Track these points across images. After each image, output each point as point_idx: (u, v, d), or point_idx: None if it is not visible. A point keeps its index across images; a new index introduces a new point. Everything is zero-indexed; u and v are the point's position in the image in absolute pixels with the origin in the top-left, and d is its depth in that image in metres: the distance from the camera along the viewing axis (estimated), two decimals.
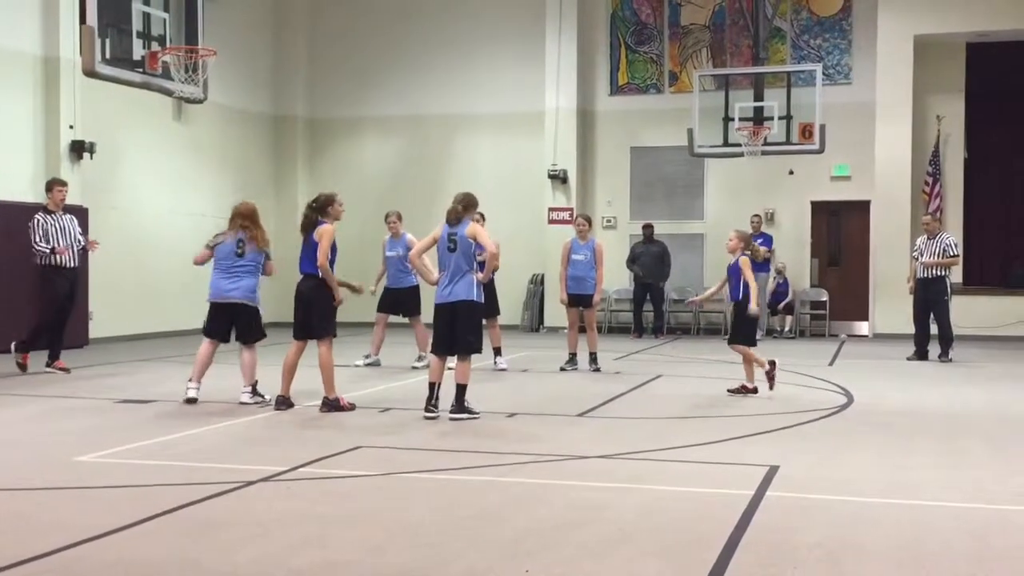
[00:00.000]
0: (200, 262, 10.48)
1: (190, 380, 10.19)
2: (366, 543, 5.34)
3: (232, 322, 10.24)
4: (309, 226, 9.81)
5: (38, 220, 12.60)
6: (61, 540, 5.30)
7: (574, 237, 13.51)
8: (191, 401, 10.03)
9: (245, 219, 10.25)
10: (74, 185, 16.31)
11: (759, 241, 18.99)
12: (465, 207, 9.54)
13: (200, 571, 4.90)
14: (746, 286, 10.93)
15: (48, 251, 12.51)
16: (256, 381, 10.19)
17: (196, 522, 5.76)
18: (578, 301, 13.31)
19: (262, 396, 10.14)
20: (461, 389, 9.39)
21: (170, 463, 7.41)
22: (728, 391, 11.07)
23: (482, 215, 13.52)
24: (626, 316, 20.22)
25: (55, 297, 12.78)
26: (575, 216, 15.04)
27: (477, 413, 9.43)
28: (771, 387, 10.91)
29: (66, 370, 12.72)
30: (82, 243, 13.02)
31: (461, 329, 9.37)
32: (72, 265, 12.86)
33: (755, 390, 10.93)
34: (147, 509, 5.92)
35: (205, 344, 10.25)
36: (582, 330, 13.45)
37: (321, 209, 9.86)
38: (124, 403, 10.25)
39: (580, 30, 20.62)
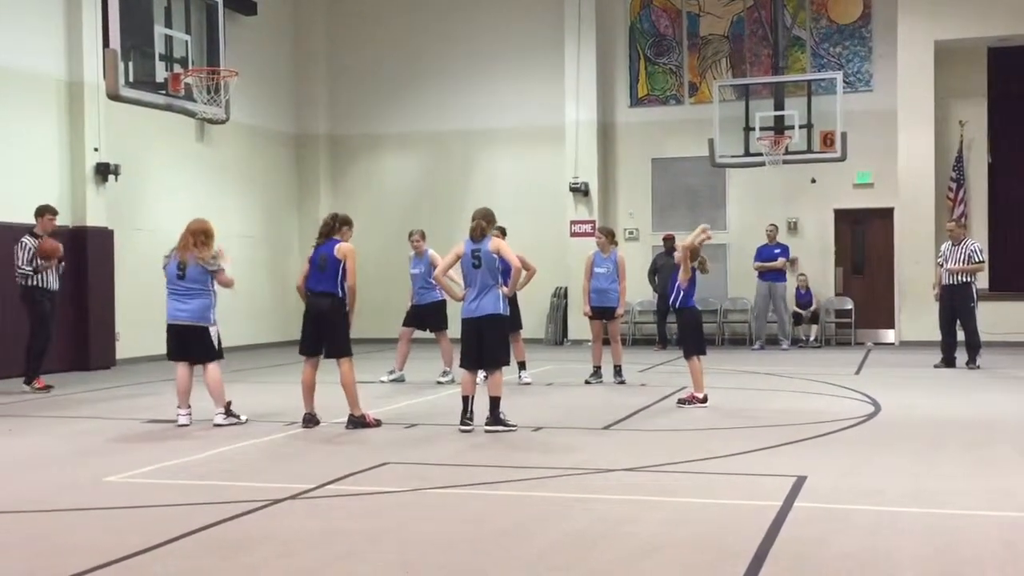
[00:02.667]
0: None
1: (178, 407, 10.09)
2: (394, 560, 5.35)
3: (186, 343, 10.07)
4: (330, 233, 9.82)
5: (25, 243, 12.94)
6: (89, 561, 5.32)
7: (596, 250, 13.51)
8: (183, 426, 9.93)
9: (187, 237, 10.03)
10: (99, 207, 16.53)
11: (776, 251, 19.00)
12: (488, 222, 9.61)
13: None
14: (678, 290, 10.97)
15: (31, 272, 12.92)
16: (229, 402, 10.09)
17: (224, 541, 5.78)
18: (601, 314, 13.30)
19: (237, 416, 10.04)
20: (495, 401, 9.45)
21: (198, 482, 7.44)
22: (678, 401, 11.15)
23: (503, 229, 13.60)
24: (650, 328, 20.17)
25: (43, 317, 13.15)
26: (598, 232, 14.90)
27: (513, 425, 9.47)
28: (679, 403, 11.00)
29: (49, 387, 13.21)
30: (62, 268, 13.41)
31: (489, 343, 9.44)
32: (55, 288, 13.27)
33: (704, 399, 10.97)
34: (175, 529, 5.94)
35: (177, 369, 10.13)
36: (607, 342, 13.44)
37: (346, 223, 9.92)
38: (151, 423, 10.30)
39: (599, 43, 20.64)
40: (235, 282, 10.43)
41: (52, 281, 13.20)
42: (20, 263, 12.93)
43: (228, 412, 10.03)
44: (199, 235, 10.02)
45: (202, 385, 10.05)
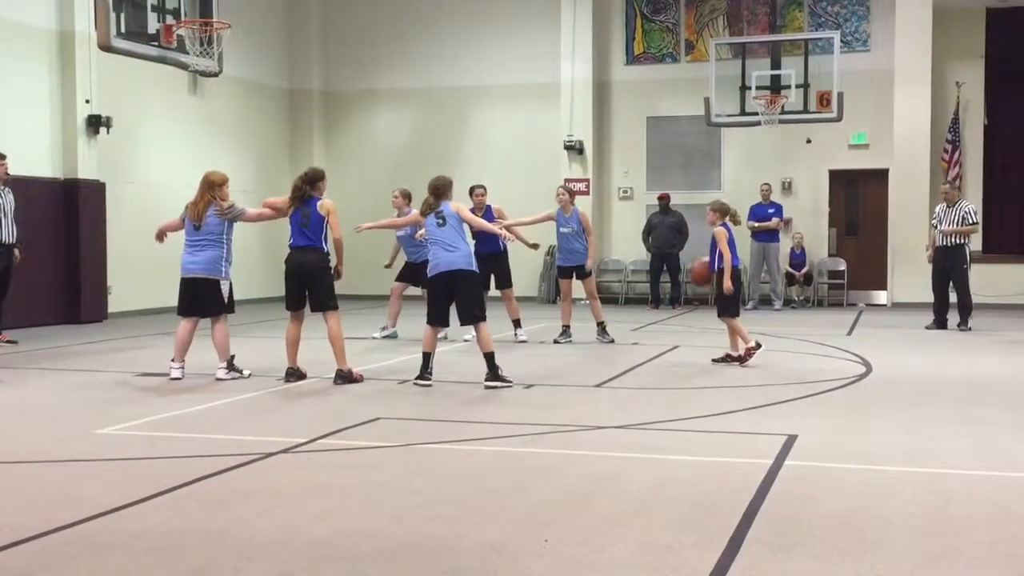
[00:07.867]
0: (167, 229, 10.30)
1: (172, 360, 10.04)
2: (385, 514, 5.36)
3: (200, 297, 9.99)
4: (302, 198, 9.77)
5: None
6: (83, 512, 5.34)
7: (559, 209, 13.43)
8: (176, 379, 9.90)
9: (202, 188, 10.00)
10: (91, 160, 16.42)
11: (770, 211, 18.96)
12: (437, 196, 9.67)
13: (221, 542, 4.92)
14: (720, 258, 11.09)
15: None
16: (233, 356, 10.08)
17: (217, 493, 5.79)
18: (570, 272, 13.27)
19: (239, 371, 10.04)
20: (490, 357, 9.47)
21: (190, 435, 7.45)
22: (713, 360, 11.17)
23: (484, 188, 13.58)
24: (643, 287, 20.17)
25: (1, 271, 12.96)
26: (560, 189, 14.26)
27: (511, 381, 9.48)
28: (741, 363, 10.93)
29: (13, 342, 13.01)
30: (14, 236, 13.11)
31: (462, 297, 9.48)
32: (9, 241, 13.05)
33: (739, 359, 10.98)
34: (168, 481, 5.96)
35: (182, 323, 10.08)
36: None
37: (312, 183, 9.82)
38: (143, 376, 10.31)
39: None
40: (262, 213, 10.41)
41: (7, 235, 12.94)
42: None
43: (231, 367, 10.03)
44: (212, 185, 9.99)
45: (202, 341, 10.03)
